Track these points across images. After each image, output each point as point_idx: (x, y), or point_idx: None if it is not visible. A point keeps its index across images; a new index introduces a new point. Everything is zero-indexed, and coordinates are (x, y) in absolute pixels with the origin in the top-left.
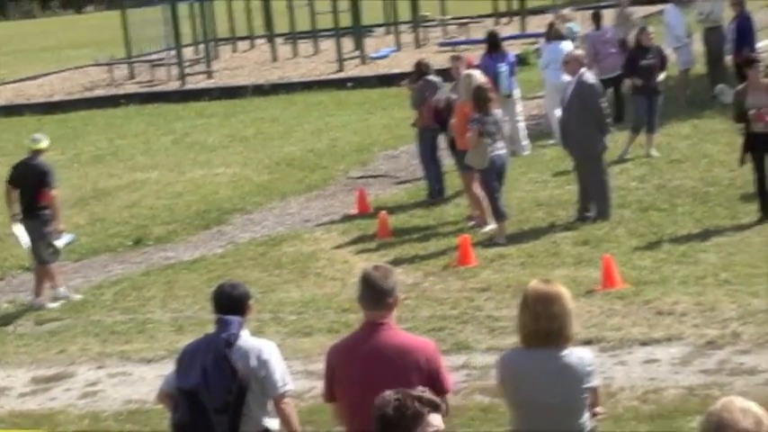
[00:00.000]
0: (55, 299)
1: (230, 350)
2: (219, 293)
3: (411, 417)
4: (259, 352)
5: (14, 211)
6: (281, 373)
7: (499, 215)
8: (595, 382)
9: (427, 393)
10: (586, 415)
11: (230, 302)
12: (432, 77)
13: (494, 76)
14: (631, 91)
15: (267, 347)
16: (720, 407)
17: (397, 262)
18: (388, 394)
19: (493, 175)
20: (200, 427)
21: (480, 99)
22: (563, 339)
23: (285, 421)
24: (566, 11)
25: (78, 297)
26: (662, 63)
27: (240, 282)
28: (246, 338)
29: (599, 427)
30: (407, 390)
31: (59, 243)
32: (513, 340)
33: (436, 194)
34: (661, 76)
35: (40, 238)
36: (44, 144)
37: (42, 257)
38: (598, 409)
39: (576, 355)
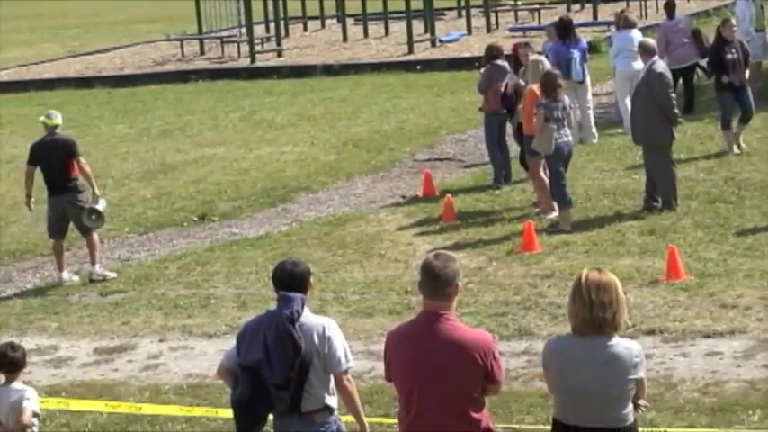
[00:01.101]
0: (61, 281)
1: (293, 326)
2: (281, 271)
3: None
4: (321, 329)
5: (31, 192)
6: (344, 350)
7: (564, 202)
8: (641, 373)
9: None
10: (629, 407)
11: (292, 280)
12: (500, 62)
13: (566, 62)
14: (717, 87)
15: (329, 324)
16: None
17: (460, 246)
18: None
19: (559, 162)
20: (261, 403)
21: (549, 84)
22: (614, 328)
23: (346, 398)
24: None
25: (75, 279)
26: (745, 57)
27: (301, 259)
28: (309, 315)
29: (657, 419)
30: None
31: (100, 207)
32: None
33: (502, 180)
34: (747, 72)
35: (79, 209)
36: (60, 119)
37: (85, 227)
38: (642, 402)
39: (623, 345)
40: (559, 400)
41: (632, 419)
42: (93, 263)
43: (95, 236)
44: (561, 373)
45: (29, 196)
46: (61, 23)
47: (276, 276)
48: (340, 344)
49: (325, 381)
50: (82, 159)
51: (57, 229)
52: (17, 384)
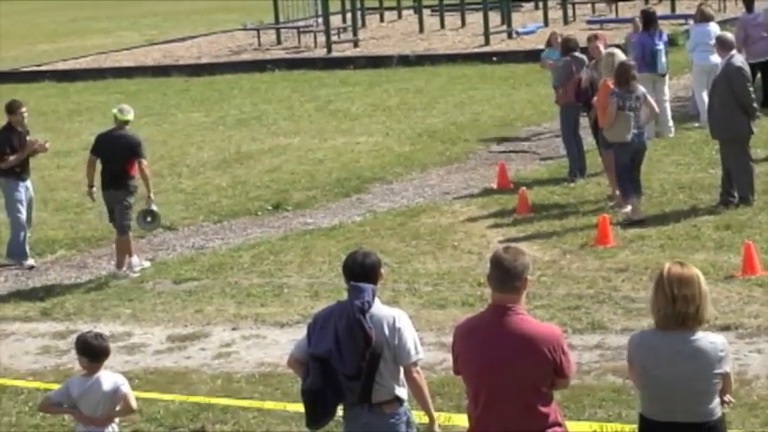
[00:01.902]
0: (130, 266)
1: (364, 317)
2: (352, 262)
3: None
4: (392, 320)
5: (93, 182)
6: (413, 341)
7: (626, 192)
8: (727, 368)
9: None
10: (716, 401)
11: (362, 270)
12: (578, 54)
13: (650, 54)
14: None
15: (399, 316)
16: None
17: (534, 238)
18: None
19: (627, 153)
20: (331, 394)
21: (623, 75)
22: (698, 322)
23: (415, 390)
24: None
25: (147, 265)
26: None
27: (372, 250)
28: (379, 306)
29: (731, 416)
30: None
31: (156, 207)
32: (649, 322)
33: (577, 172)
34: None
35: (125, 208)
36: (132, 116)
37: (122, 225)
38: (727, 397)
39: (708, 339)
40: (645, 396)
41: (720, 413)
42: (117, 266)
43: (127, 241)
44: (645, 369)
45: (90, 186)
46: (139, 12)
47: (347, 267)
48: (410, 335)
49: (395, 372)
50: (144, 161)
51: (113, 219)
52: (106, 373)
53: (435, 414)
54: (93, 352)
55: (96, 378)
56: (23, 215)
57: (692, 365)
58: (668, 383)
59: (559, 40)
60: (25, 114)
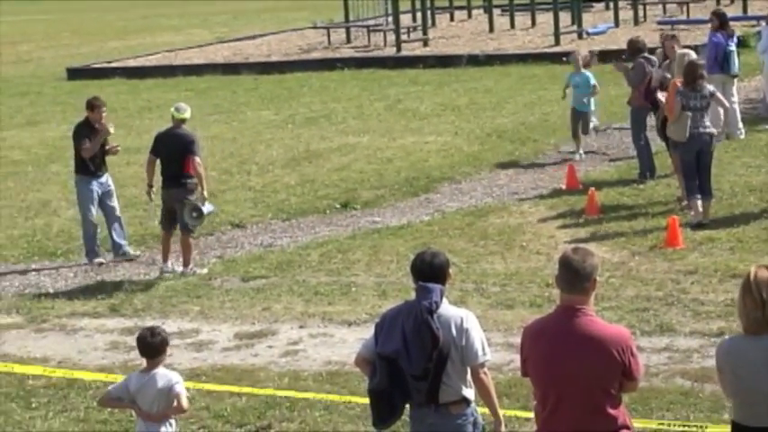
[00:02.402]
0: (162, 271)
1: (432, 317)
2: (420, 262)
3: None
4: (459, 320)
5: (152, 182)
6: (481, 342)
7: (689, 192)
8: None
9: None
10: None
11: (431, 270)
12: (648, 55)
13: (723, 55)
14: None
15: (467, 316)
16: None
17: (603, 240)
18: None
19: (690, 152)
20: (398, 393)
21: (690, 73)
22: None
23: (482, 391)
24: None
25: (204, 271)
26: None
27: (440, 250)
28: (447, 307)
29: None
30: None
31: (205, 209)
32: (718, 325)
33: (647, 174)
34: None
35: (185, 206)
36: (189, 114)
37: (185, 225)
38: None
39: None
40: (737, 403)
41: None
42: (184, 265)
43: (191, 240)
44: (736, 375)
45: (150, 186)
46: (210, 10)
47: (415, 267)
48: (477, 336)
49: (463, 373)
50: (197, 159)
51: (166, 221)
52: (162, 370)
53: (501, 414)
54: (145, 348)
55: (153, 375)
56: (93, 213)
57: None
58: (760, 388)
59: (581, 62)
60: (104, 114)
